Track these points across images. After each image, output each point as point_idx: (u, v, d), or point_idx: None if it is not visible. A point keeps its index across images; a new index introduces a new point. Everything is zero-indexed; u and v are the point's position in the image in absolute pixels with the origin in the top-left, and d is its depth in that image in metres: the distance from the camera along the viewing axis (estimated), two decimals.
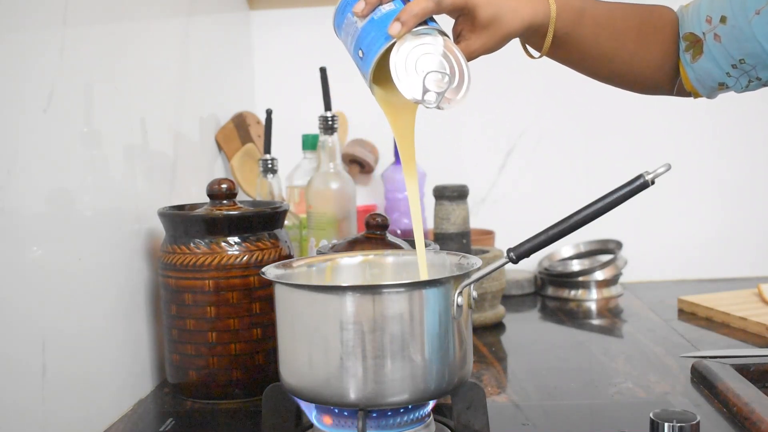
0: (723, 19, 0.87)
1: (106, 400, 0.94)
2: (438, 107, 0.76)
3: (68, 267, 0.85)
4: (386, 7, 0.79)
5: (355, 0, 0.81)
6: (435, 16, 0.81)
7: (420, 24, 0.77)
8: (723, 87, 0.92)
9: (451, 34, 0.83)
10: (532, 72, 1.68)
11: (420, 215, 0.85)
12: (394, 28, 0.76)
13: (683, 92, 0.97)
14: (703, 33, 0.89)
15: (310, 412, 0.83)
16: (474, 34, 0.83)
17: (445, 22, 0.83)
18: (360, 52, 0.79)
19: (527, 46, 0.91)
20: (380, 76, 0.78)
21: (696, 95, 0.95)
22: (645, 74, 0.95)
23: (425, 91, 0.75)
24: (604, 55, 0.92)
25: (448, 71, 0.76)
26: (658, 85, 0.96)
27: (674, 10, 0.96)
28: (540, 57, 0.91)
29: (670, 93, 0.98)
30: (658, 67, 0.94)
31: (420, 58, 0.76)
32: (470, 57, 0.83)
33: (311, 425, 0.84)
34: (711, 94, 0.95)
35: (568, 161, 1.70)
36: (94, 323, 0.91)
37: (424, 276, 0.84)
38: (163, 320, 1.04)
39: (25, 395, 0.76)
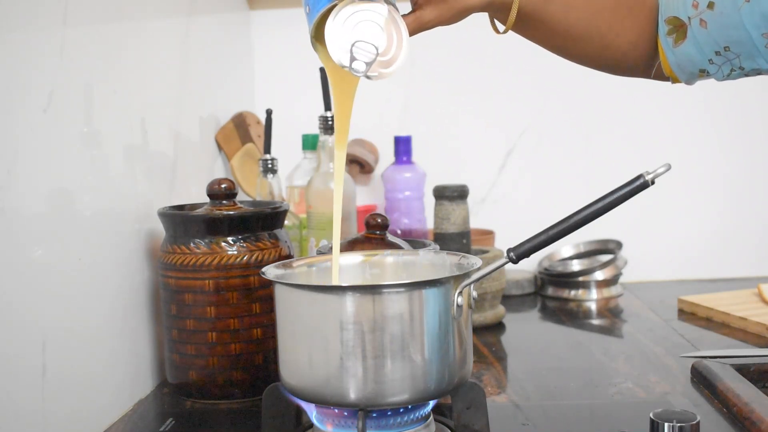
0: (710, 5, 0.85)
1: (106, 400, 0.94)
2: (366, 77, 0.76)
3: (68, 267, 0.85)
4: None
5: None
6: None
7: None
8: (704, 74, 0.90)
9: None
10: (532, 72, 1.68)
11: (341, 193, 0.85)
12: None
13: (661, 76, 0.94)
14: (689, 18, 0.87)
15: (310, 412, 0.83)
16: (430, 4, 0.81)
17: None
18: (306, 7, 0.79)
19: (494, 20, 0.90)
20: (323, 36, 0.78)
21: (675, 80, 0.93)
22: (618, 56, 0.92)
23: (353, 59, 0.75)
24: (575, 34, 0.89)
25: (377, 43, 0.75)
26: (633, 67, 0.94)
27: None
28: (505, 32, 0.89)
29: (646, 76, 0.95)
30: (632, 50, 0.92)
31: (355, 25, 0.75)
32: (423, 27, 0.82)
33: (311, 425, 0.84)
34: (690, 80, 0.92)
35: (568, 161, 1.70)
36: (94, 323, 0.91)
37: (335, 278, 0.85)
38: (163, 320, 1.04)
39: (25, 395, 0.76)
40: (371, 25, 0.76)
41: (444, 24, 0.83)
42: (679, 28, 0.88)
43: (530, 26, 0.88)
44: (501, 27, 0.89)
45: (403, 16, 0.79)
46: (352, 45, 0.75)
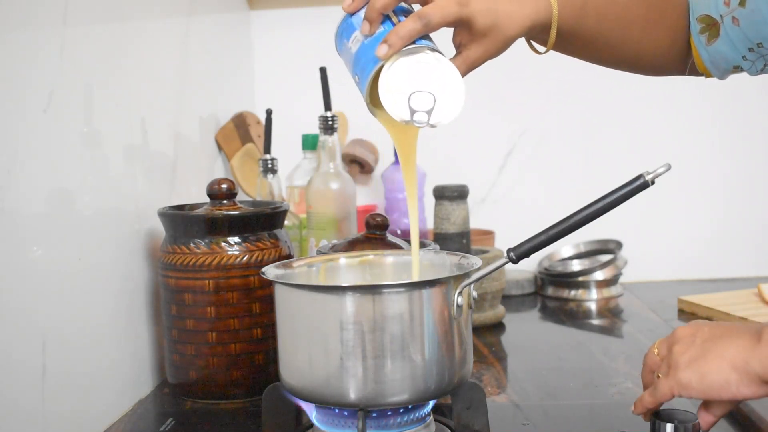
0: (742, 2, 0.85)
1: (106, 400, 0.94)
2: (431, 125, 0.76)
3: (68, 267, 0.85)
4: (378, 30, 0.79)
5: (350, 27, 0.81)
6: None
7: (411, 44, 0.77)
8: (737, 70, 0.91)
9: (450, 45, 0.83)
10: (532, 72, 1.68)
11: (417, 232, 0.86)
12: (381, 50, 0.76)
13: (695, 72, 0.95)
14: (721, 16, 0.87)
15: (310, 412, 0.83)
16: (474, 42, 0.82)
17: (446, 32, 0.82)
18: (356, 77, 0.80)
19: (532, 42, 0.91)
20: (378, 98, 0.79)
21: (708, 76, 0.94)
22: (653, 59, 0.93)
23: (413, 111, 0.75)
24: (610, 44, 0.90)
25: (432, 90, 0.76)
26: (668, 68, 0.95)
27: None
28: (546, 52, 0.90)
29: (681, 73, 0.96)
30: (666, 51, 0.93)
31: (407, 79, 0.76)
32: (472, 66, 0.82)
33: (311, 425, 0.84)
34: (723, 76, 0.93)
35: (568, 161, 1.70)
36: (94, 323, 0.91)
37: (416, 275, 0.85)
38: (163, 320, 1.04)
39: (25, 395, 0.76)
40: (422, 75, 0.76)
41: (492, 57, 0.83)
42: (712, 27, 0.88)
43: (567, 42, 0.89)
44: (540, 48, 0.89)
45: (451, 59, 0.80)
46: (409, 98, 0.75)
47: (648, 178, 0.74)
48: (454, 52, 0.83)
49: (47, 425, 0.79)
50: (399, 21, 0.78)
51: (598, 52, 0.92)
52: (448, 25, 0.80)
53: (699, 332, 0.73)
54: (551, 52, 0.90)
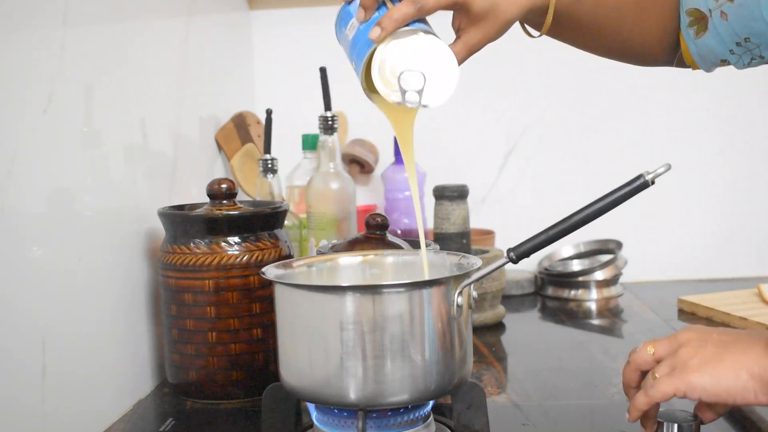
0: None
1: (106, 400, 0.94)
2: (423, 106, 0.76)
3: (68, 267, 0.85)
4: (373, 15, 0.79)
5: (347, 15, 0.81)
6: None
7: (406, 27, 0.77)
8: (725, 63, 0.91)
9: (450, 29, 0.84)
10: (532, 72, 1.68)
11: (421, 213, 0.86)
12: (374, 32, 0.76)
13: (682, 64, 0.95)
14: (710, 10, 0.88)
15: (311, 412, 0.83)
16: (472, 26, 0.82)
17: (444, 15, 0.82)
18: (353, 62, 0.80)
19: (526, 26, 0.91)
20: (373, 82, 0.79)
21: (695, 68, 0.94)
22: (643, 48, 0.94)
23: (404, 91, 0.75)
24: (603, 31, 0.91)
25: (423, 69, 0.76)
26: (657, 58, 0.95)
27: None
28: (539, 36, 0.90)
29: (668, 65, 0.97)
30: (656, 42, 0.93)
31: (398, 60, 0.76)
32: (472, 50, 0.82)
33: (311, 425, 0.84)
34: (710, 69, 0.93)
35: (569, 161, 1.70)
36: (94, 323, 0.91)
37: (426, 275, 0.84)
38: (163, 320, 1.04)
39: (24, 395, 0.76)
40: (414, 56, 0.76)
41: (491, 41, 0.84)
42: (700, 20, 0.88)
43: (562, 27, 0.89)
44: (534, 32, 0.90)
45: (451, 45, 0.80)
46: (399, 77, 0.75)
47: (648, 178, 0.74)
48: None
49: (47, 425, 0.79)
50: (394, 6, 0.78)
51: (590, 39, 0.92)
52: (444, 8, 0.80)
53: (708, 337, 0.73)
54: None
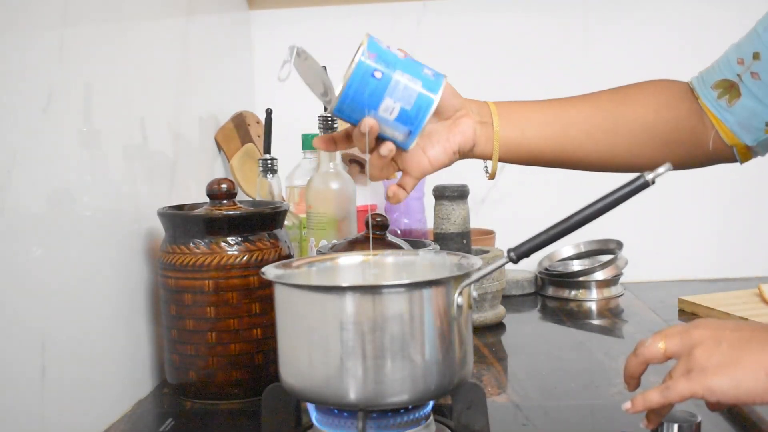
0: (756, 56, 0.85)
1: (106, 400, 0.94)
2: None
3: (68, 267, 0.85)
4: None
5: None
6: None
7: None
8: None
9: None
10: (532, 72, 1.68)
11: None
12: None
13: (722, 149, 0.94)
14: (738, 75, 0.87)
15: (311, 412, 0.83)
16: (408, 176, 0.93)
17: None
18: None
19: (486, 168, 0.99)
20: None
21: (740, 148, 0.93)
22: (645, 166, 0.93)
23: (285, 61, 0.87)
24: (604, 159, 0.99)
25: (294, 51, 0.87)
26: (695, 158, 0.98)
27: (684, 81, 0.97)
28: (491, 176, 1.00)
29: (708, 159, 0.98)
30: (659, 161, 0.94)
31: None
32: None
33: (311, 425, 0.83)
34: (757, 137, 0.91)
35: None
36: (94, 323, 0.91)
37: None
38: (162, 320, 1.04)
39: (24, 396, 0.76)
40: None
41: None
42: (731, 88, 0.88)
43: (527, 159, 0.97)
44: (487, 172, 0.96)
45: (391, 186, 0.90)
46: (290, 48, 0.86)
47: (648, 177, 0.74)
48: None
49: (47, 425, 0.78)
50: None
51: (594, 164, 1.04)
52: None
53: (722, 335, 0.72)
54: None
